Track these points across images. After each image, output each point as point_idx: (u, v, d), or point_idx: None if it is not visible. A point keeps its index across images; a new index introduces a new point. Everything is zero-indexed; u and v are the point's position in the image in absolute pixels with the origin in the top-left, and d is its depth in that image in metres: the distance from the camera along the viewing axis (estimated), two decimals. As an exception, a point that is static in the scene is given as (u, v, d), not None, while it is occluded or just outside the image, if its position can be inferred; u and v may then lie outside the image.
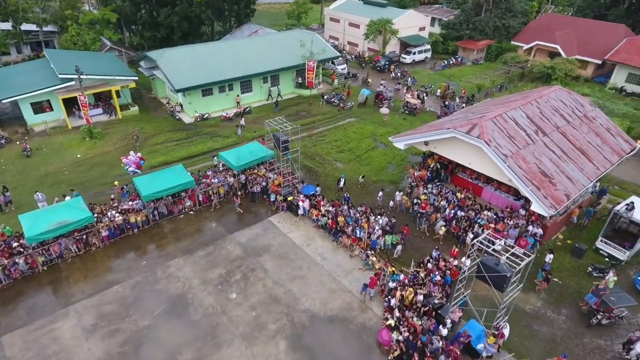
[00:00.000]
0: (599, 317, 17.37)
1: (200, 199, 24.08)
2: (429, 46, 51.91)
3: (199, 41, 51.10)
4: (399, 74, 45.11)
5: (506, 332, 16.41)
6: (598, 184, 24.54)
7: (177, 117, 35.25)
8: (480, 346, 15.70)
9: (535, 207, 19.30)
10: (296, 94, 40.69)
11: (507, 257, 14.76)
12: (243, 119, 34.34)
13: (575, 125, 23.75)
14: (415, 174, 25.51)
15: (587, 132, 23.73)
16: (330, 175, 27.79)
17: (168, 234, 22.43)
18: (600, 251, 21.19)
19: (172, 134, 32.87)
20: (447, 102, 36.80)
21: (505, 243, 16.92)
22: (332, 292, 19.02)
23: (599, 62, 44.14)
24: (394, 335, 16.03)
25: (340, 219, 21.96)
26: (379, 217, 22.07)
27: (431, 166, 25.52)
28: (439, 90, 39.76)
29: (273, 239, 22.11)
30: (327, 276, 19.85)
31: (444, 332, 16.06)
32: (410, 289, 17.53)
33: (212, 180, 24.74)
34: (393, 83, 42.88)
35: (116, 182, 24.77)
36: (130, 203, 22.67)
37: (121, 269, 20.19)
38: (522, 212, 21.56)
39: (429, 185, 24.43)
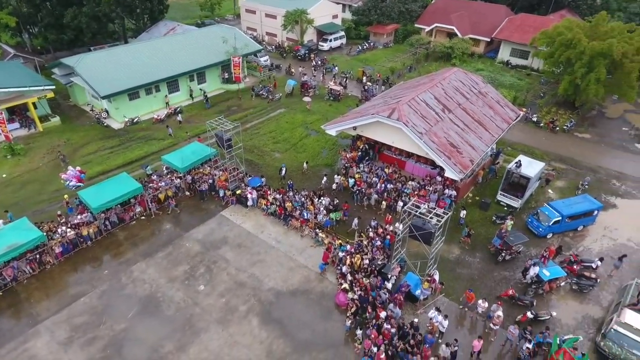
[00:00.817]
0: (503, 254, 21.96)
1: (150, 203, 24.81)
2: (343, 33, 55.14)
3: (110, 41, 49.02)
4: (319, 62, 47.69)
5: (437, 277, 20.23)
6: (494, 147, 29.58)
7: (104, 124, 34.49)
8: (417, 292, 19.37)
9: (448, 174, 23.35)
10: (224, 89, 41.51)
11: (431, 217, 18.33)
12: (180, 115, 34.79)
13: (472, 101, 28.32)
14: (347, 155, 28.55)
15: (482, 105, 28.45)
16: (271, 165, 29.82)
17: (124, 241, 23.06)
18: (501, 202, 26.09)
19: (104, 142, 32.33)
20: (366, 87, 40.29)
21: (428, 206, 20.57)
22: (291, 269, 21.49)
23: (488, 39, 50.65)
24: (349, 295, 19.02)
25: (288, 204, 24.30)
26: (321, 198, 24.80)
27: (360, 147, 28.69)
28: (365, 78, 42.87)
29: (228, 231, 23.84)
30: (284, 257, 22.22)
31: (389, 285, 19.42)
32: (358, 256, 20.62)
33: (159, 184, 25.51)
34: (313, 71, 45.29)
35: (65, 196, 24.50)
36: (79, 217, 22.81)
37: (83, 281, 20.66)
38: (439, 178, 25.62)
39: (361, 165, 27.64)
